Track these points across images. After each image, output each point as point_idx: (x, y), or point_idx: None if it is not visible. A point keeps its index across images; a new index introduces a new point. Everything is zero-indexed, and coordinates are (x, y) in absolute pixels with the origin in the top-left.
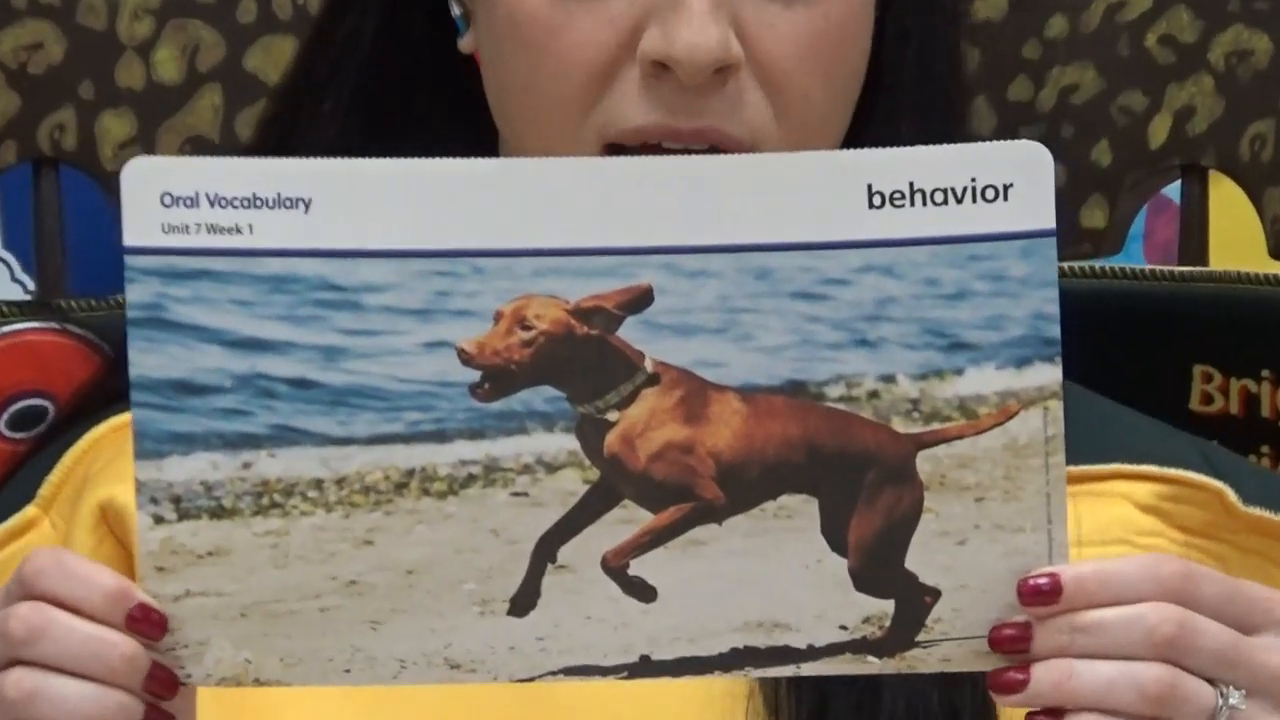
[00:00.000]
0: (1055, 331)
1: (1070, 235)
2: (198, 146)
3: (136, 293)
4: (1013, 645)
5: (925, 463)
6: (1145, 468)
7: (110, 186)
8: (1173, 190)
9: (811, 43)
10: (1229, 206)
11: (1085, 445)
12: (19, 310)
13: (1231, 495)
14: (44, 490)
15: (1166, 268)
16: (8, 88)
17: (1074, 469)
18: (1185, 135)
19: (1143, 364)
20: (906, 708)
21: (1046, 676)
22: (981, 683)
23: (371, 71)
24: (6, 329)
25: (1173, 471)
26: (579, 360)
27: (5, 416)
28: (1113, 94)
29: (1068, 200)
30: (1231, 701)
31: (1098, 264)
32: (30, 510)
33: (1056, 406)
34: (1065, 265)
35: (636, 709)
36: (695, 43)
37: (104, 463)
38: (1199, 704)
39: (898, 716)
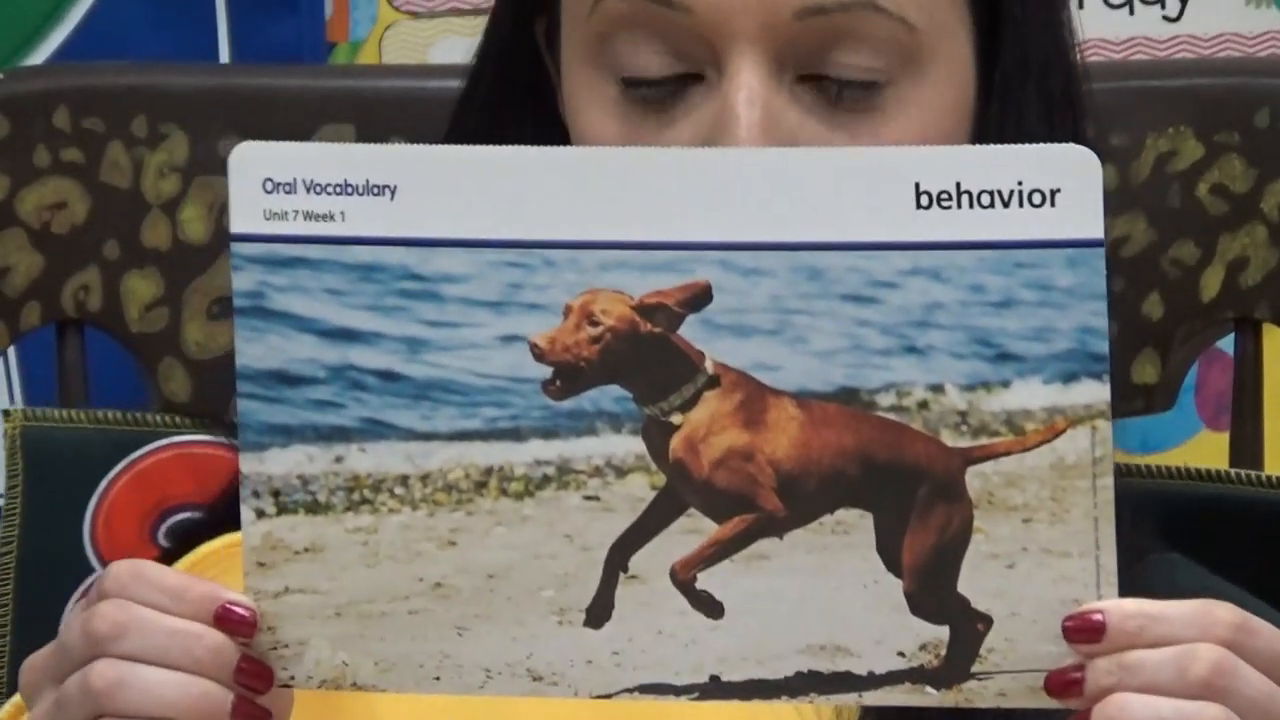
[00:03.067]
0: (1103, 347)
1: (1122, 391)
2: (226, 308)
3: (241, 281)
4: (1067, 690)
5: (974, 479)
6: None
7: (137, 349)
8: (1225, 342)
9: None
10: None
11: None
12: (191, 423)
13: None
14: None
15: None
16: (31, 248)
17: None
18: (1238, 287)
19: None
20: None
21: (1103, 712)
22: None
23: None
24: (178, 439)
25: None
26: (644, 359)
27: (164, 528)
28: (1164, 245)
29: (1119, 356)
30: None
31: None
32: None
33: (1105, 426)
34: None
35: None
36: None
37: (210, 578)
38: None
39: None
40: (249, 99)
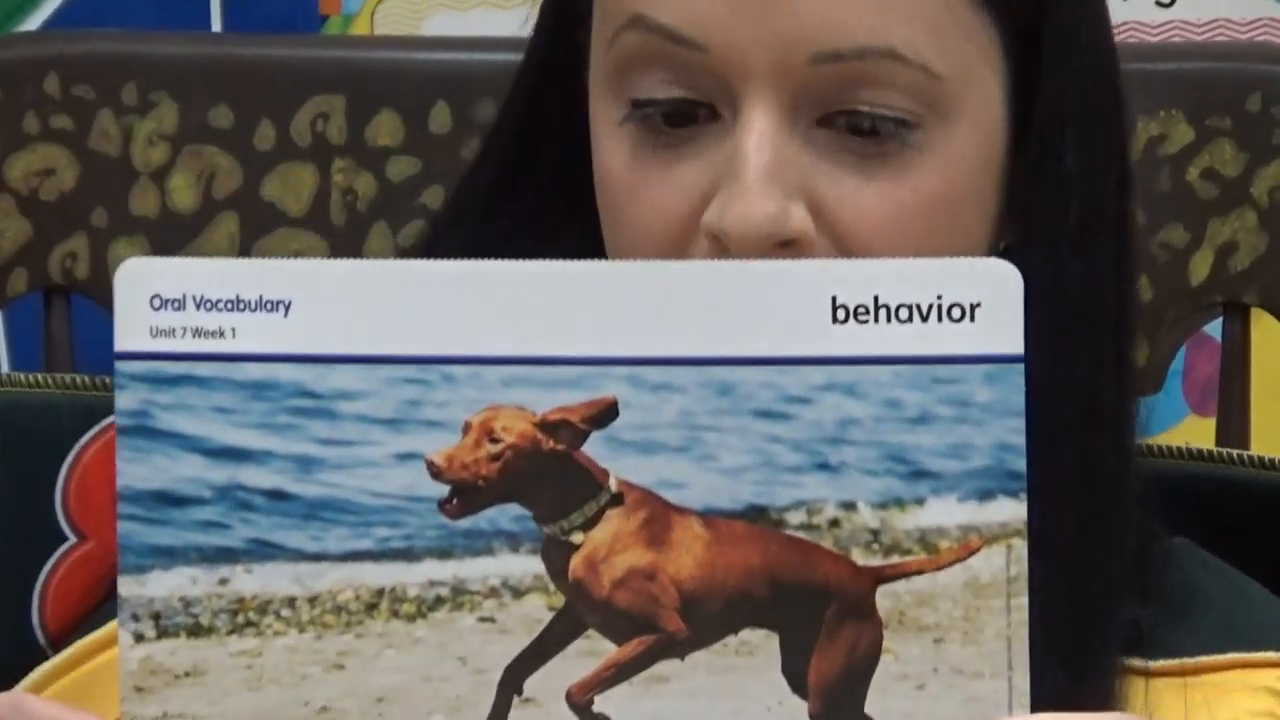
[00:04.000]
0: (1020, 465)
1: None
2: None
3: (125, 400)
4: None
5: (884, 599)
6: (1266, 654)
7: None
8: (1213, 327)
9: (897, 217)
10: (1271, 344)
11: (1210, 629)
12: None
13: None
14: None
15: None
16: (19, 214)
17: (1192, 660)
18: (1227, 271)
19: None
20: None
21: None
22: None
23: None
24: None
25: None
26: (545, 477)
27: None
28: (1153, 229)
29: None
30: None
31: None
32: (100, 634)
33: (1020, 545)
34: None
35: None
36: (746, 215)
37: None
38: None
39: None
40: (239, 68)
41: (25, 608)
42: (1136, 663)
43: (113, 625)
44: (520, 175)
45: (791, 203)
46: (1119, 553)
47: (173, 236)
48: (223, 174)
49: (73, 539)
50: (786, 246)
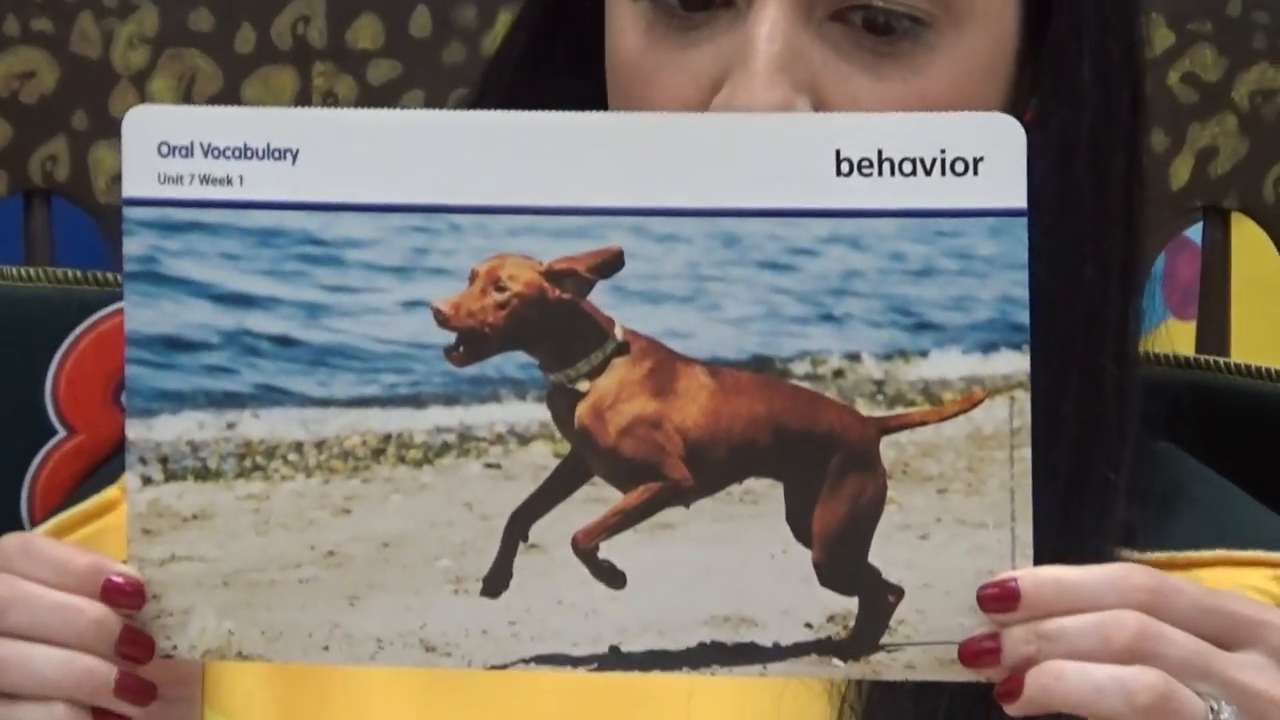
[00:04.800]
0: (1024, 317)
1: None
2: None
3: (133, 245)
4: (982, 660)
5: (889, 449)
6: (1251, 553)
7: (103, 219)
8: (1194, 231)
9: None
10: (1251, 248)
11: (1194, 527)
12: None
13: None
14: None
15: None
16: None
17: (1181, 555)
18: (1208, 176)
19: None
20: None
21: (1036, 680)
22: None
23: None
24: None
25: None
26: (551, 325)
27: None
28: None
29: None
30: (1224, 716)
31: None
32: (111, 492)
33: (1023, 397)
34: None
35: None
36: (751, 104)
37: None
38: (1191, 715)
39: None
40: None
41: (14, 501)
42: (1128, 553)
43: (121, 482)
44: (543, 53)
45: (798, 96)
46: (1117, 459)
47: None
48: (203, 77)
49: (62, 433)
50: None
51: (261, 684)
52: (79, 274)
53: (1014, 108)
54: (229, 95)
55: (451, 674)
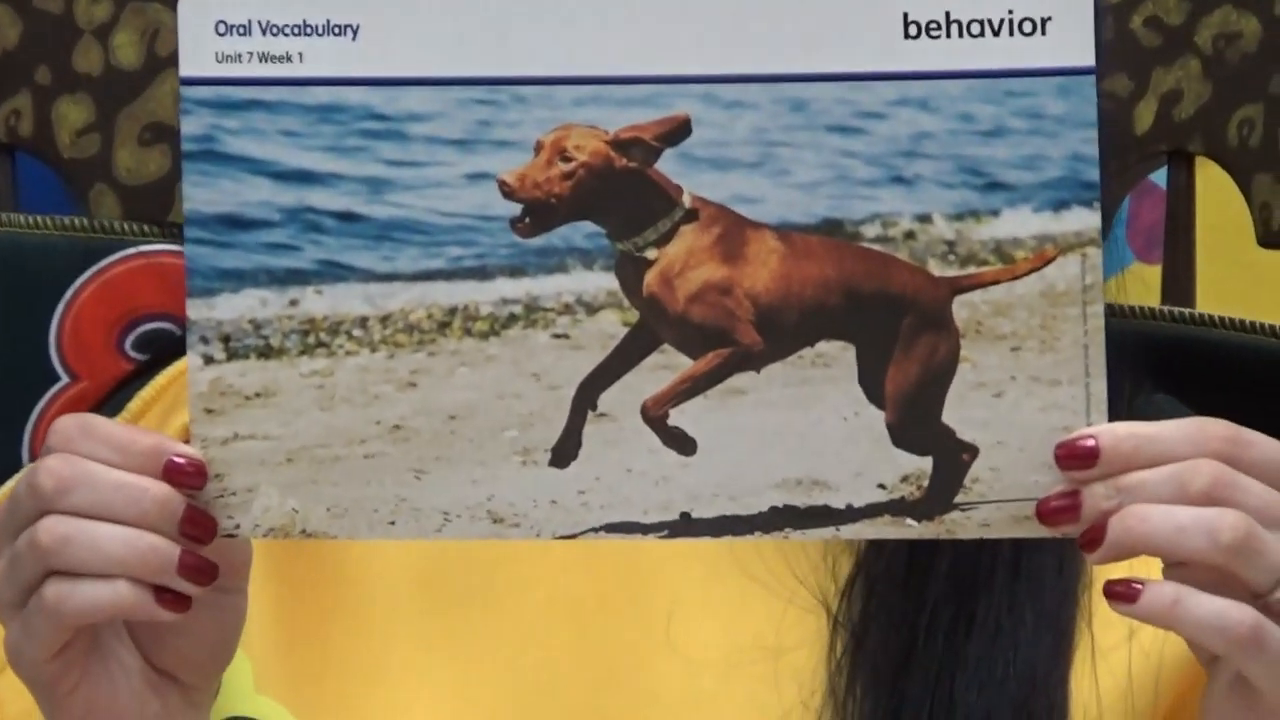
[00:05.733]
0: (1094, 175)
1: None
2: (158, 134)
3: (191, 125)
4: (1061, 516)
5: (961, 309)
6: None
7: (68, 174)
8: (1158, 175)
9: None
10: (1216, 193)
11: None
12: (159, 232)
13: None
14: (132, 405)
15: None
16: None
17: None
18: (1171, 120)
19: (1261, 422)
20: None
21: (1119, 524)
22: (1058, 669)
23: None
24: (144, 248)
25: None
26: (618, 194)
27: (132, 337)
28: (1097, 78)
29: None
30: None
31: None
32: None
33: (1095, 253)
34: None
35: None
36: None
37: (169, 406)
38: (1272, 559)
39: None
40: None
41: (16, 446)
42: None
43: (125, 411)
44: None
45: None
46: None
47: (117, 94)
48: (166, 31)
49: (65, 379)
50: None
51: (264, 604)
52: (84, 222)
53: None
54: None
55: (451, 589)
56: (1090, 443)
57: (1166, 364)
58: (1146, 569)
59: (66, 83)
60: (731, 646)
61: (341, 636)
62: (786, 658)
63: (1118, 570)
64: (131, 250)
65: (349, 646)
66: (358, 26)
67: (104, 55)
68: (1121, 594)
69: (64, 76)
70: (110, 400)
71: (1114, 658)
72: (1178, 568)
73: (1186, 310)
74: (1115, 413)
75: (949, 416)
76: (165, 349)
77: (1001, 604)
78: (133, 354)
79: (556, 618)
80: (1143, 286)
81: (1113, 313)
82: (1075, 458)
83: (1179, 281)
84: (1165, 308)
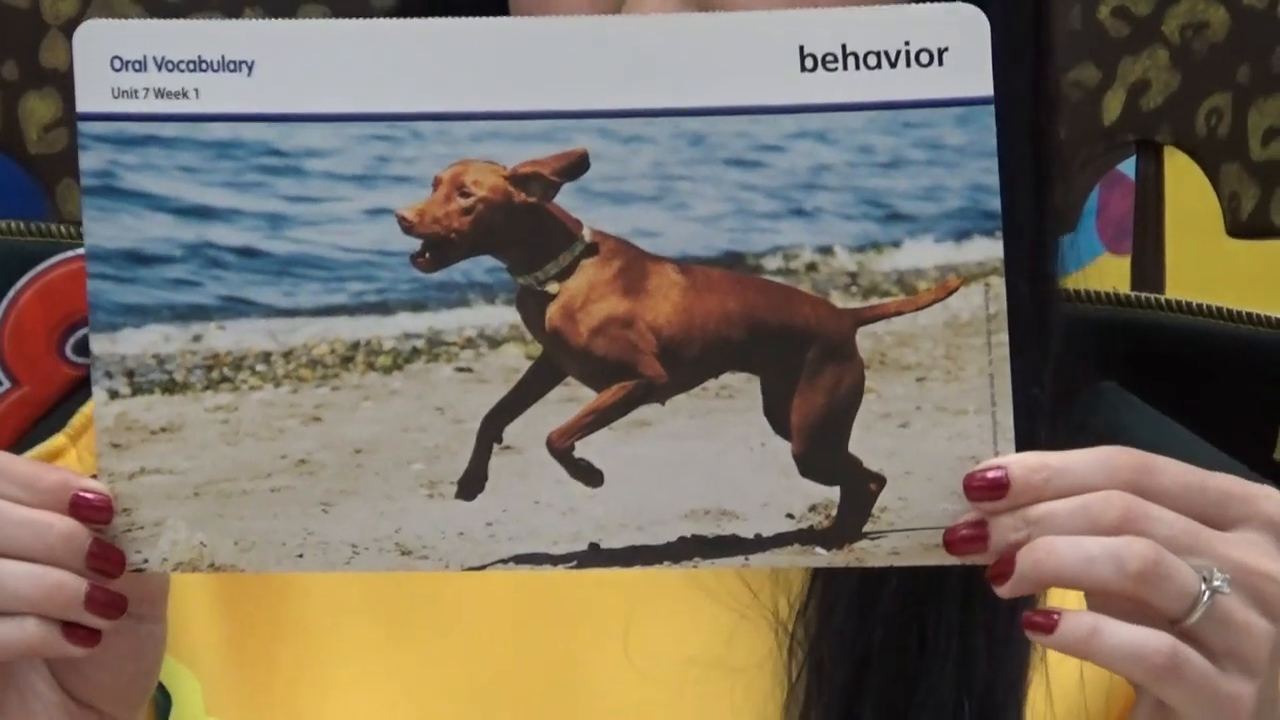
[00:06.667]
0: (995, 204)
1: None
2: None
3: (90, 160)
4: (968, 546)
5: (865, 340)
6: None
7: (36, 170)
8: (1127, 165)
9: None
10: (1184, 182)
11: None
12: None
13: None
14: (75, 420)
15: (1267, 313)
16: None
17: None
18: (1140, 110)
19: (1229, 408)
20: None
21: (1027, 558)
22: (1012, 690)
23: None
24: (83, 251)
25: None
26: (518, 229)
27: (72, 341)
28: (1065, 68)
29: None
30: (1215, 584)
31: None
32: (58, 439)
33: (998, 283)
34: (1163, 298)
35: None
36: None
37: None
38: (1181, 585)
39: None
40: None
41: None
42: None
43: (68, 429)
44: None
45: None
46: (1038, 376)
47: None
48: None
49: (7, 384)
50: None
51: (212, 625)
52: (21, 225)
53: None
54: None
55: (399, 602)
56: (999, 474)
57: (1120, 349)
58: (1074, 598)
59: (34, 78)
60: (684, 659)
61: (290, 655)
62: (739, 672)
63: (1054, 594)
64: (70, 254)
65: (298, 664)
66: (253, 62)
67: (70, 50)
68: (1040, 624)
69: (31, 72)
70: (56, 410)
71: (1065, 670)
72: (1099, 597)
73: (1155, 295)
74: (1061, 404)
75: (855, 447)
76: None
77: (953, 624)
78: (74, 358)
79: (505, 631)
80: (1113, 277)
81: (1081, 298)
82: (984, 489)
83: (1148, 271)
84: (1134, 293)
